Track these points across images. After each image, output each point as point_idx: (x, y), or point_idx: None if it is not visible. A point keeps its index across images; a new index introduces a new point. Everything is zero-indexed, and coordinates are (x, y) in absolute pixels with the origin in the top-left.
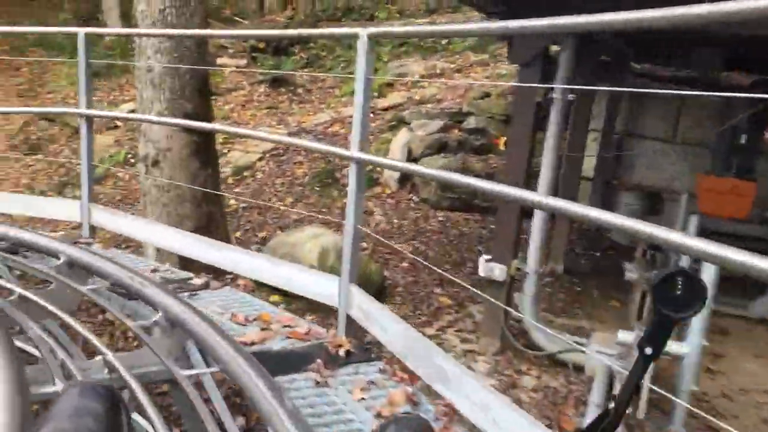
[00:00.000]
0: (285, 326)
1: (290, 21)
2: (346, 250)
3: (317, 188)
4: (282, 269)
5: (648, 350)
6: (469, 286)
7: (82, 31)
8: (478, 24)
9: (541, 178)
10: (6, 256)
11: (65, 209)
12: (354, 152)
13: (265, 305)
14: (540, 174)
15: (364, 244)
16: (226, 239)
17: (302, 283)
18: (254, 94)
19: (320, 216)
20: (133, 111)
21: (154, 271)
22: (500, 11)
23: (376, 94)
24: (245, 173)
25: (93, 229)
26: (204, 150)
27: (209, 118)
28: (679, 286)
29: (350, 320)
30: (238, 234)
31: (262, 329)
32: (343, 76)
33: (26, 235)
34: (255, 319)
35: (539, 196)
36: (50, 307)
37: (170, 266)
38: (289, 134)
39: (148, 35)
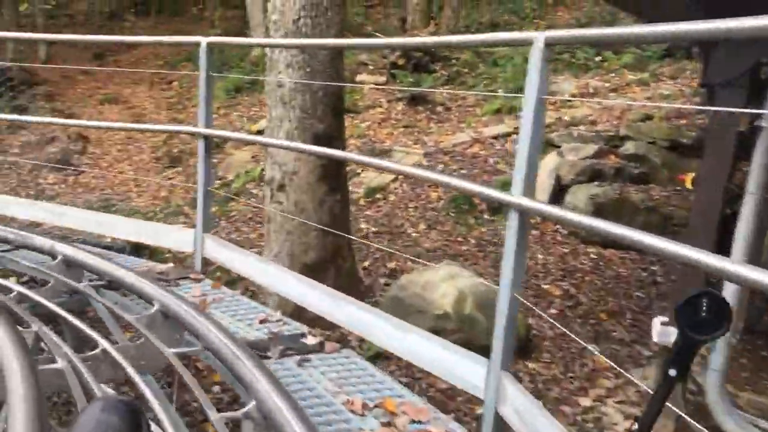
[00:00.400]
0: (414, 422)
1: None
2: (500, 328)
3: (452, 214)
4: (410, 338)
5: (672, 372)
6: (626, 372)
7: (204, 40)
8: (679, 25)
9: (738, 234)
10: (105, 293)
11: (178, 238)
12: (517, 197)
13: (391, 385)
14: (738, 225)
15: None
16: (353, 272)
17: (435, 359)
18: (392, 112)
19: (465, 267)
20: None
21: (263, 321)
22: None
23: (521, 112)
24: (377, 195)
25: (206, 262)
26: (333, 174)
27: (341, 139)
28: (705, 308)
29: (500, 420)
30: (366, 263)
31: (384, 424)
32: (490, 94)
33: (122, 274)
34: (376, 406)
35: (735, 264)
36: (129, 369)
37: (283, 315)
38: (426, 155)
39: (271, 45)
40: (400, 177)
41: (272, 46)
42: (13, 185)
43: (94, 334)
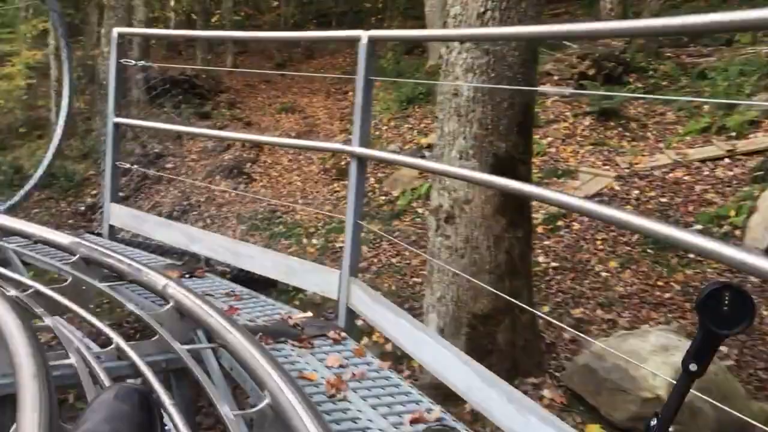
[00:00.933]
0: None
1: (628, 46)
2: None
3: (650, 250)
4: None
5: (692, 367)
6: None
7: (364, 34)
8: None
9: None
10: (222, 353)
11: (321, 280)
12: None
13: None
14: None
15: (732, 349)
16: (532, 325)
17: None
18: (578, 128)
19: (676, 332)
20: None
21: (416, 420)
22: None
23: (734, 133)
24: (559, 222)
25: (352, 315)
26: (514, 205)
27: (527, 163)
28: (726, 302)
29: None
30: (545, 308)
31: None
32: (700, 101)
33: (233, 340)
34: None
35: None
36: None
37: (443, 408)
38: (618, 178)
39: (444, 39)
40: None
41: (445, 39)
42: (186, 190)
43: (180, 423)
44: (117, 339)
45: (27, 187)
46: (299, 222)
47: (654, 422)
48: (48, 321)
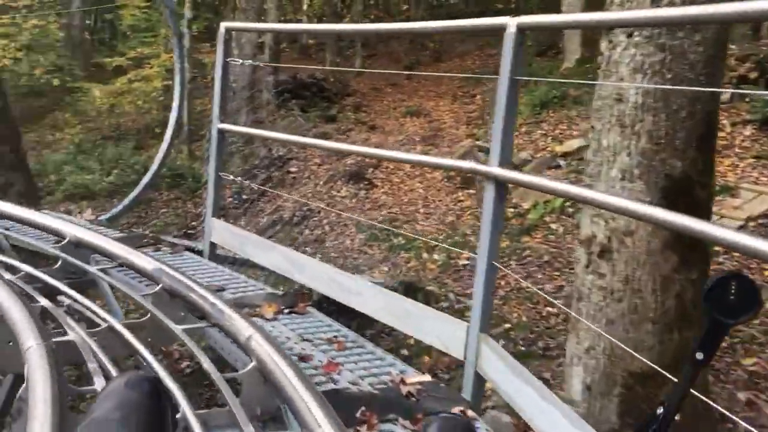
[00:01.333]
0: None
1: None
2: None
3: None
4: None
5: (699, 356)
6: None
7: (512, 21)
8: None
9: None
10: None
11: (443, 332)
12: None
13: None
14: None
15: None
16: (702, 388)
17: None
18: (736, 138)
19: None
20: (575, 152)
21: None
22: None
23: None
24: (716, 247)
25: (481, 383)
26: (689, 239)
27: (707, 188)
28: (733, 291)
29: None
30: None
31: None
32: None
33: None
34: None
35: None
36: None
37: None
38: None
39: (609, 24)
40: (750, 223)
41: (613, 25)
42: (308, 195)
43: None
44: (185, 406)
45: (132, 195)
46: (420, 232)
47: (660, 410)
48: (98, 383)
